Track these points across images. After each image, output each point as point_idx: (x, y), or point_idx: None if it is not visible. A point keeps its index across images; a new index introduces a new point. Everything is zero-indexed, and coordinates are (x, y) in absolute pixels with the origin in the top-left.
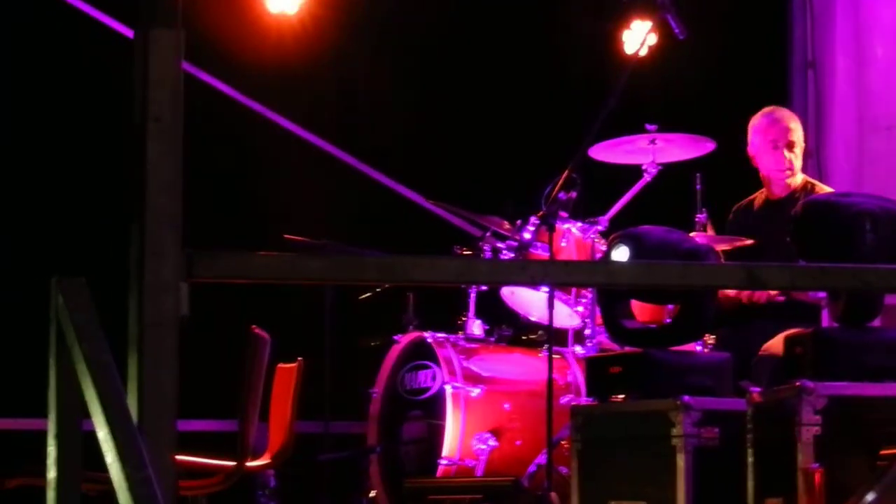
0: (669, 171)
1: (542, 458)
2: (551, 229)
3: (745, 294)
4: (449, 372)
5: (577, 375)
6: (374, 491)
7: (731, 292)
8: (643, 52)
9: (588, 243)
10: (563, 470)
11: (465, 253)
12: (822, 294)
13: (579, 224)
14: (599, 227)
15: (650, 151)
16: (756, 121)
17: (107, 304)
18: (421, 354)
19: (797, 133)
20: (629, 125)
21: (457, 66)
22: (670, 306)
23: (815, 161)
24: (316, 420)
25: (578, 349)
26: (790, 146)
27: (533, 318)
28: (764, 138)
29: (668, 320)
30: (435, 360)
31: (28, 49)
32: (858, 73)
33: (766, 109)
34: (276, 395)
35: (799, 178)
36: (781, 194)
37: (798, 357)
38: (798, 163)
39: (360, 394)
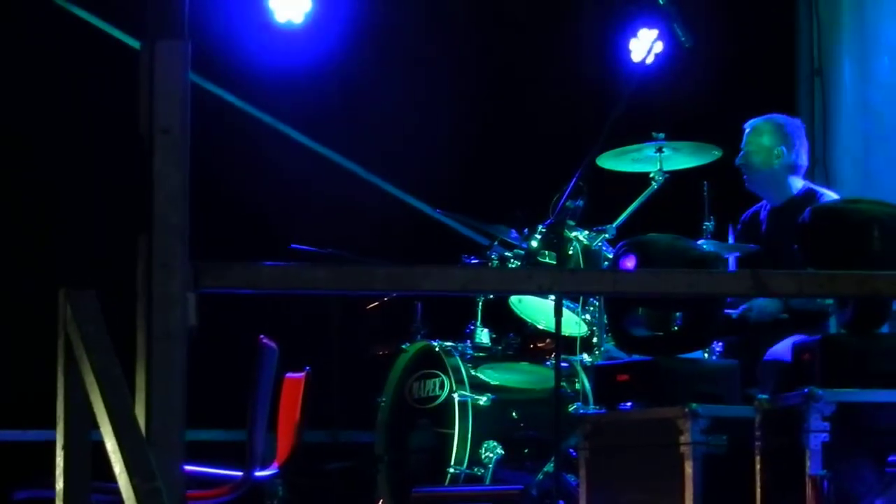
0: (676, 179)
1: (549, 467)
2: (559, 238)
3: (752, 316)
4: (457, 380)
5: (585, 383)
6: (382, 500)
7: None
8: (650, 61)
9: (595, 251)
10: (571, 478)
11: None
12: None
13: (587, 232)
14: (607, 235)
15: (657, 159)
16: None
17: (115, 316)
18: (429, 363)
19: (747, 139)
20: (636, 133)
21: (464, 74)
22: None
23: (822, 168)
24: (324, 429)
25: (586, 357)
26: (744, 157)
27: (540, 326)
28: None
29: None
30: (443, 368)
31: (36, 58)
32: (865, 80)
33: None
34: (283, 404)
35: (799, 185)
36: (777, 202)
37: (806, 364)
38: (752, 162)
39: (368, 403)
